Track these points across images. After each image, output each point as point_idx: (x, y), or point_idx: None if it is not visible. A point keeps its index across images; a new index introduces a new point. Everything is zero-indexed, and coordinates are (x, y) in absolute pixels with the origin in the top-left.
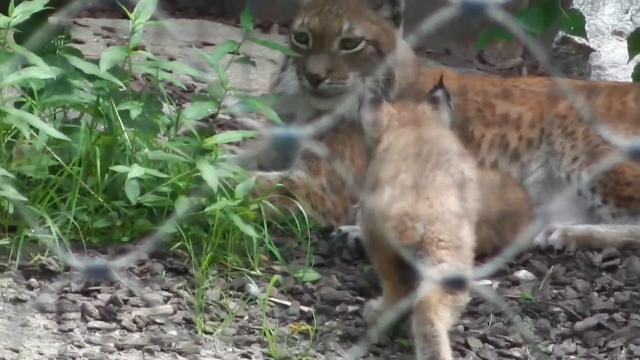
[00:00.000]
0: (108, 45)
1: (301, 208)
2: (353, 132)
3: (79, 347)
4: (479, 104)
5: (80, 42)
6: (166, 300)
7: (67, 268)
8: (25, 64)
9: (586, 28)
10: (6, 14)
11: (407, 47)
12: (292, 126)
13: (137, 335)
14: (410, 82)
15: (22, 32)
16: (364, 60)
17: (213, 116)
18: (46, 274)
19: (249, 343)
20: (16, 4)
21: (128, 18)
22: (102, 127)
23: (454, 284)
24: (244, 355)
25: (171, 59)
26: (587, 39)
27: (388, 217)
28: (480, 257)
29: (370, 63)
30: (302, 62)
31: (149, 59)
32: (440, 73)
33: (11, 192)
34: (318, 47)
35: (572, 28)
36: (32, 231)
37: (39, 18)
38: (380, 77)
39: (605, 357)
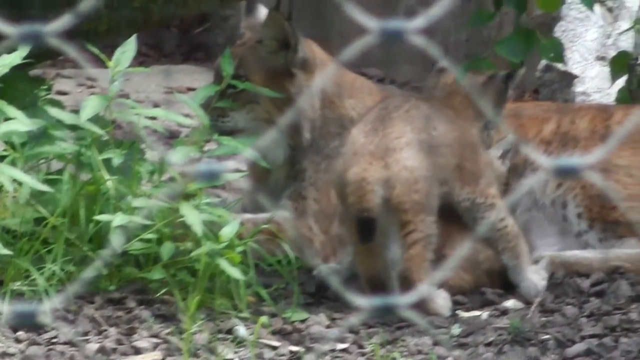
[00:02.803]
0: (92, 95)
1: (287, 249)
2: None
3: None
4: None
5: (65, 93)
6: (155, 346)
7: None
8: (8, 118)
9: (569, 55)
10: None
11: (329, 85)
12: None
13: None
14: (335, 117)
15: (3, 86)
16: (250, 101)
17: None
18: (34, 326)
19: None
20: None
21: None
22: (86, 176)
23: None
24: None
25: (156, 105)
26: (566, 66)
27: (346, 183)
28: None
29: (259, 106)
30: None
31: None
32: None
33: None
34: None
35: (551, 55)
36: (18, 284)
37: (19, 71)
38: (286, 119)
39: None
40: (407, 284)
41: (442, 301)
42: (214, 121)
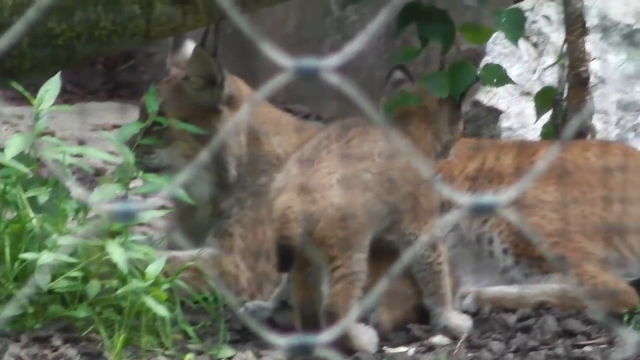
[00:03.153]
0: (16, 133)
1: (213, 286)
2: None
3: None
4: None
5: None
6: None
7: None
8: None
9: (495, 90)
10: None
11: (255, 121)
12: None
13: None
14: (261, 154)
15: None
16: (176, 138)
17: (125, 197)
18: None
19: None
20: None
21: None
22: (11, 215)
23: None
24: None
25: (81, 142)
26: (514, 83)
27: (273, 209)
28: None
29: (185, 143)
30: None
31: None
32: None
33: None
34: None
35: (495, 80)
36: None
37: None
38: (204, 156)
39: None
40: (331, 319)
41: (367, 338)
42: (139, 158)
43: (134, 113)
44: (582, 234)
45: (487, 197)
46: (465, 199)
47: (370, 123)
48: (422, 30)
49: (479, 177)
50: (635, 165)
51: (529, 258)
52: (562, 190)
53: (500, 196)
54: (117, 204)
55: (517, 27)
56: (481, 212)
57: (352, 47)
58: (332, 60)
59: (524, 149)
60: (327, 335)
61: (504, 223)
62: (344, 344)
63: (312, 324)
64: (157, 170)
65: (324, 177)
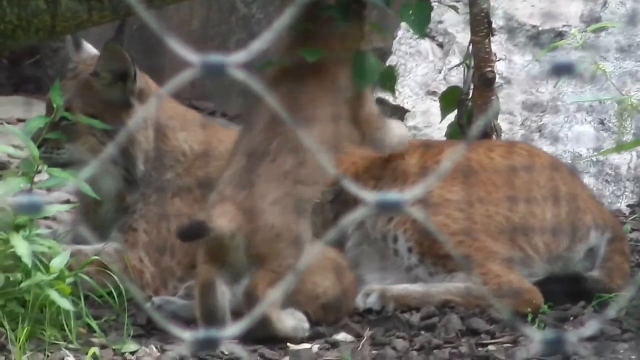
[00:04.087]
0: None
1: (118, 281)
2: (164, 201)
3: None
4: None
5: None
6: None
7: None
8: None
9: (400, 89)
10: None
11: (167, 117)
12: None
13: None
14: (197, 152)
15: None
16: (85, 133)
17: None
18: None
19: None
20: None
21: None
22: None
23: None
24: None
25: None
26: (395, 97)
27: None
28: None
29: (93, 137)
30: None
31: None
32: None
33: None
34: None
35: (387, 84)
36: None
37: None
38: (114, 152)
39: None
40: (250, 301)
41: (292, 322)
42: (48, 153)
43: (39, 108)
44: (486, 233)
45: (393, 195)
46: (370, 195)
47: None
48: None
49: (384, 176)
50: (540, 165)
51: (433, 256)
52: (467, 189)
53: (406, 194)
54: (23, 197)
55: (423, 21)
56: (387, 209)
57: (259, 44)
58: (239, 57)
59: (429, 148)
60: (234, 328)
61: (409, 221)
62: (265, 329)
63: (212, 318)
64: (65, 165)
65: (258, 201)
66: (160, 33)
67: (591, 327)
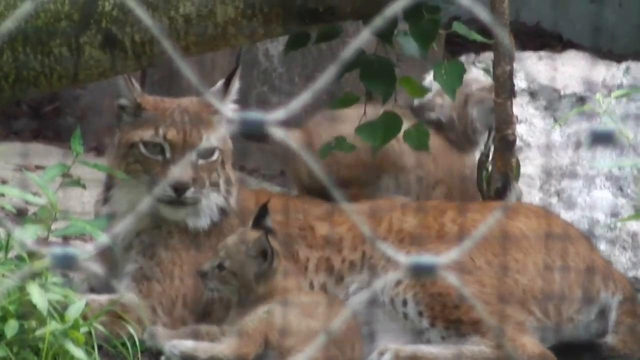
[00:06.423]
0: None
1: (132, 331)
2: (185, 248)
3: None
4: (302, 223)
5: None
6: None
7: None
8: None
9: None
10: None
11: None
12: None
13: None
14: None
15: None
16: (215, 169)
17: (45, 239)
18: None
19: None
20: None
21: None
22: None
23: None
24: None
25: (4, 181)
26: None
27: None
28: None
29: (217, 173)
30: (159, 173)
31: None
32: (262, 193)
33: None
34: (179, 158)
35: (416, 143)
36: None
37: None
38: (223, 186)
39: None
40: None
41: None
42: (197, 192)
43: (57, 155)
44: (498, 297)
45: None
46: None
47: None
48: (364, 79)
49: (389, 237)
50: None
51: (445, 321)
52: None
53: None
54: (57, 248)
55: (455, 81)
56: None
57: (298, 102)
58: (278, 115)
59: (433, 210)
60: None
61: (418, 285)
62: None
63: None
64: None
65: None
66: (199, 87)
67: None
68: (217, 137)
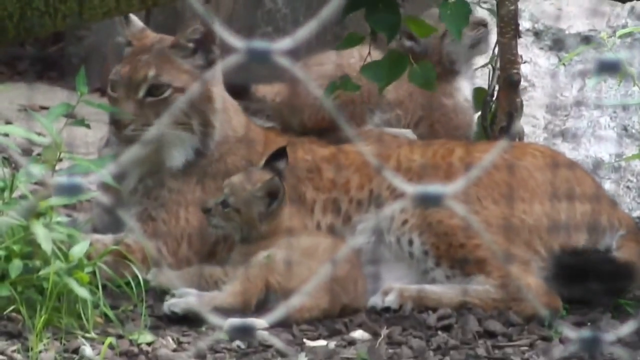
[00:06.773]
0: None
1: (136, 271)
2: (186, 188)
3: None
4: (310, 165)
5: None
6: None
7: None
8: None
9: None
10: None
11: (231, 98)
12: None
13: None
14: (239, 136)
15: None
16: (167, 107)
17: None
18: None
19: None
20: None
21: None
22: None
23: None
24: None
25: (8, 122)
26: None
27: None
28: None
29: (180, 111)
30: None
31: None
32: (272, 132)
33: None
34: (125, 94)
35: (421, 81)
36: None
37: None
38: (195, 126)
39: None
40: None
41: None
42: (137, 130)
43: (62, 95)
44: (504, 235)
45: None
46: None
47: None
48: (369, 19)
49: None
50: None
51: (450, 260)
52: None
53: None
54: (63, 177)
55: (461, 20)
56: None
57: (303, 32)
58: (284, 44)
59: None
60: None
61: (425, 224)
62: None
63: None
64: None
65: None
66: (210, 19)
67: (629, 326)
68: (172, 75)
